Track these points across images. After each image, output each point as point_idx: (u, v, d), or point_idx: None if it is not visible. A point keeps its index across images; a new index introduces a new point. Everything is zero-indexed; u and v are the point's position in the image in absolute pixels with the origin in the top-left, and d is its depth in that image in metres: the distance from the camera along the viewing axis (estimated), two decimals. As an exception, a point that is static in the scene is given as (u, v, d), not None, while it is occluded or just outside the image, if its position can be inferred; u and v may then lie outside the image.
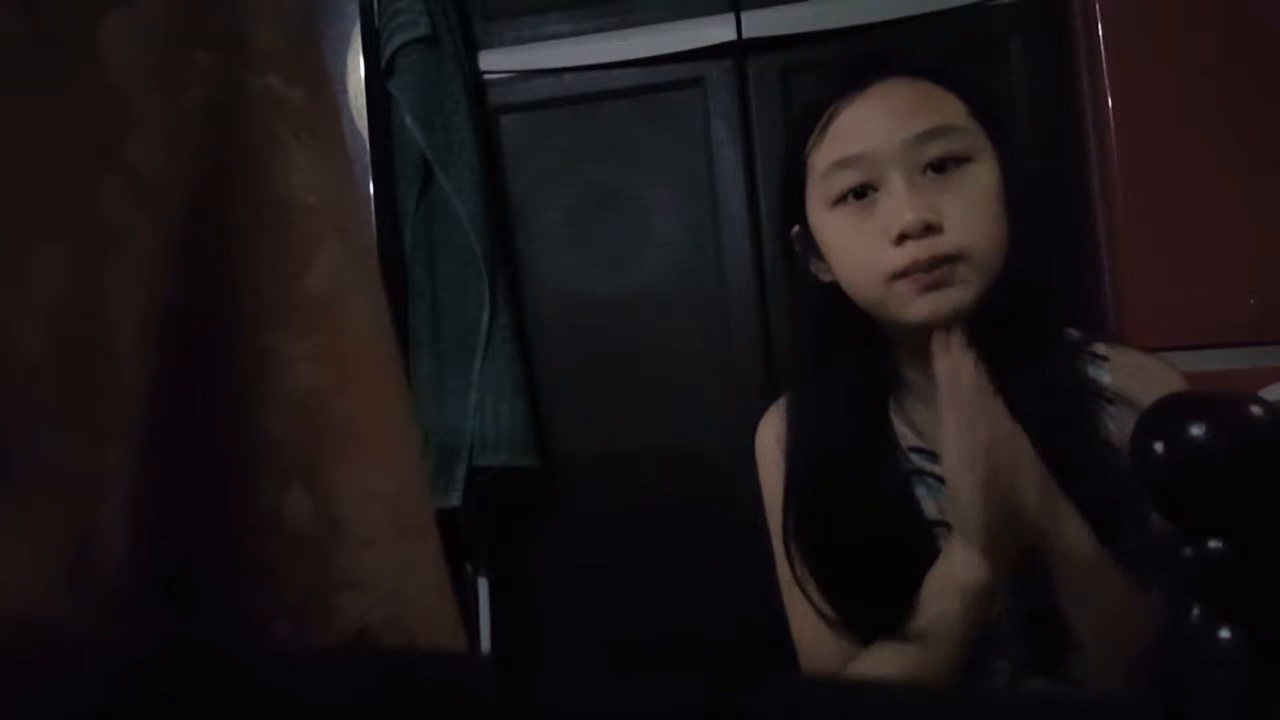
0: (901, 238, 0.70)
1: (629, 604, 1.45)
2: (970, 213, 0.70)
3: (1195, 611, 0.33)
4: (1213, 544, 0.33)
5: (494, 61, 1.53)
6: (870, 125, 0.73)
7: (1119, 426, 0.71)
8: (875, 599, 0.73)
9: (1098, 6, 1.26)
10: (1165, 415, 0.35)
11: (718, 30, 1.44)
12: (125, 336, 0.28)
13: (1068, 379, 0.73)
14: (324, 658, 0.23)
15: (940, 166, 0.71)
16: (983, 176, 0.72)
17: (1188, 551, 0.34)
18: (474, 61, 1.52)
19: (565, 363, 1.51)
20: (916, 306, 0.70)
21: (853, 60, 0.80)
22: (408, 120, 1.44)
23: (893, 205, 0.71)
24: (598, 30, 1.49)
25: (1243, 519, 0.33)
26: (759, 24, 1.43)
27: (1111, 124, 1.25)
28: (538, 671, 0.19)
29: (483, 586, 1.51)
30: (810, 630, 0.78)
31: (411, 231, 1.48)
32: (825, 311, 0.79)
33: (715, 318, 1.47)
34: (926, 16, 1.39)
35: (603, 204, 1.50)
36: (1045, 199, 1.38)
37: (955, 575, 0.67)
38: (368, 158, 1.46)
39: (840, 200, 0.74)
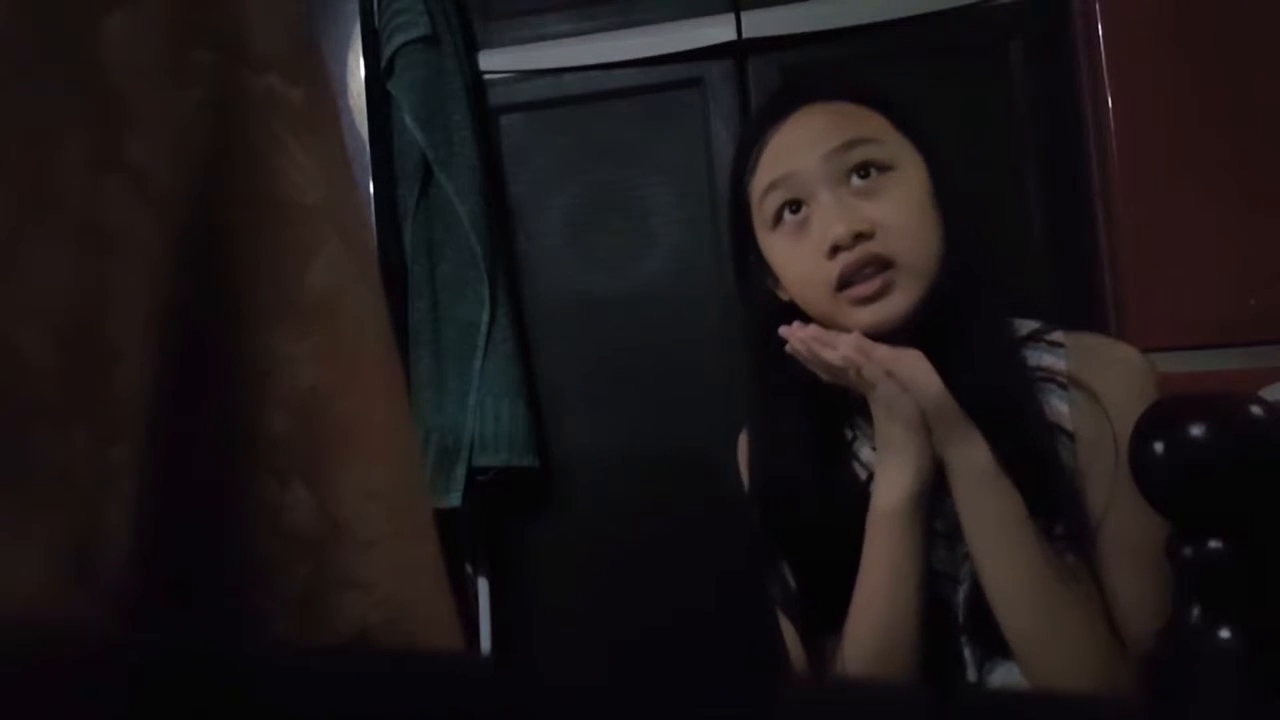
0: (834, 249, 0.73)
1: (629, 604, 1.45)
2: (898, 218, 0.73)
3: (1195, 611, 0.33)
4: (1213, 544, 0.33)
5: (494, 61, 1.53)
6: (793, 146, 0.77)
7: (1076, 410, 0.73)
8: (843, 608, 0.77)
9: (1098, 7, 1.26)
10: (1165, 415, 0.35)
11: (718, 30, 1.44)
12: (126, 336, 0.28)
13: (1015, 366, 0.75)
14: (324, 658, 0.23)
15: (865, 173, 0.75)
16: (908, 183, 0.75)
17: (1188, 551, 0.34)
18: (474, 61, 1.52)
19: (565, 363, 1.51)
20: (859, 316, 0.73)
21: (777, 92, 0.87)
22: (408, 120, 1.44)
23: (823, 219, 0.74)
24: (598, 30, 1.49)
25: (1243, 519, 0.33)
26: (759, 24, 1.43)
27: (1111, 124, 1.25)
28: (538, 671, 0.19)
29: (483, 586, 1.51)
30: (793, 641, 0.83)
31: (411, 231, 1.48)
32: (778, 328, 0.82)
33: (715, 318, 1.47)
34: (926, 16, 1.39)
35: (603, 204, 1.50)
36: (1062, 201, 1.38)
37: (878, 505, 0.73)
38: (368, 158, 1.46)
39: (777, 221, 0.78)
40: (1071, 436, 0.73)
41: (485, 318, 1.42)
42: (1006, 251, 1.38)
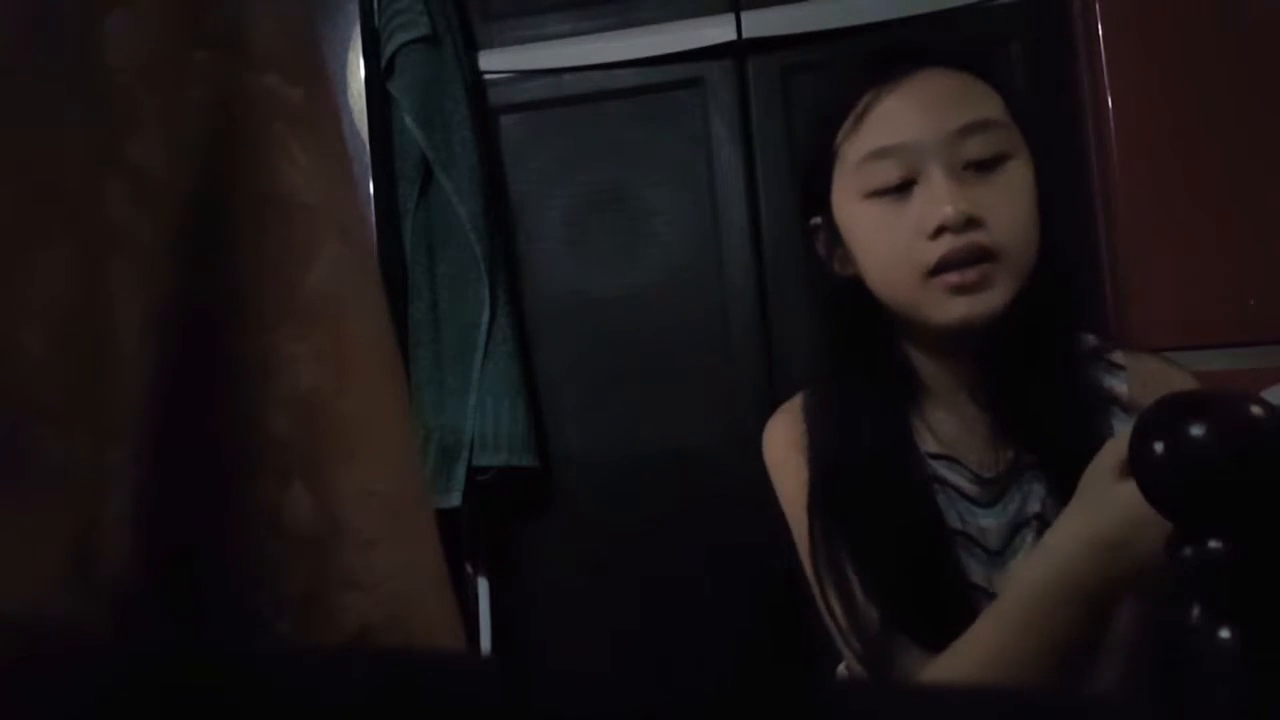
0: (939, 231, 0.67)
1: (629, 604, 1.45)
2: (1009, 211, 0.68)
3: (1195, 611, 0.33)
4: (1213, 544, 0.33)
5: (494, 61, 1.53)
6: (910, 116, 0.70)
7: None
8: (905, 604, 0.70)
9: (1098, 7, 1.26)
10: (1165, 415, 0.35)
11: (718, 30, 1.44)
12: (127, 336, 0.28)
13: (1085, 387, 0.71)
14: (324, 658, 0.23)
15: (984, 158, 0.69)
16: (1020, 175, 0.70)
17: (1188, 551, 0.34)
18: (474, 61, 1.52)
19: (565, 363, 1.51)
20: (952, 307, 0.68)
21: (888, 49, 0.76)
22: (408, 120, 1.44)
23: (932, 197, 0.68)
24: (598, 30, 1.49)
25: (1243, 519, 0.33)
26: (759, 24, 1.43)
27: (1111, 124, 1.25)
28: (538, 671, 0.19)
29: (483, 586, 1.51)
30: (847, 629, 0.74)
31: (411, 231, 1.48)
32: (845, 307, 0.76)
33: (715, 318, 1.47)
34: (927, 17, 1.39)
35: (603, 204, 1.50)
36: (1062, 201, 1.38)
37: (1026, 575, 0.61)
38: (368, 158, 1.47)
39: (874, 193, 0.71)
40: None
41: (485, 318, 1.42)
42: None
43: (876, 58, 0.75)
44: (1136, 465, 0.36)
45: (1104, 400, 0.70)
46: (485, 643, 1.50)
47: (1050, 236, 0.71)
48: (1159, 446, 0.35)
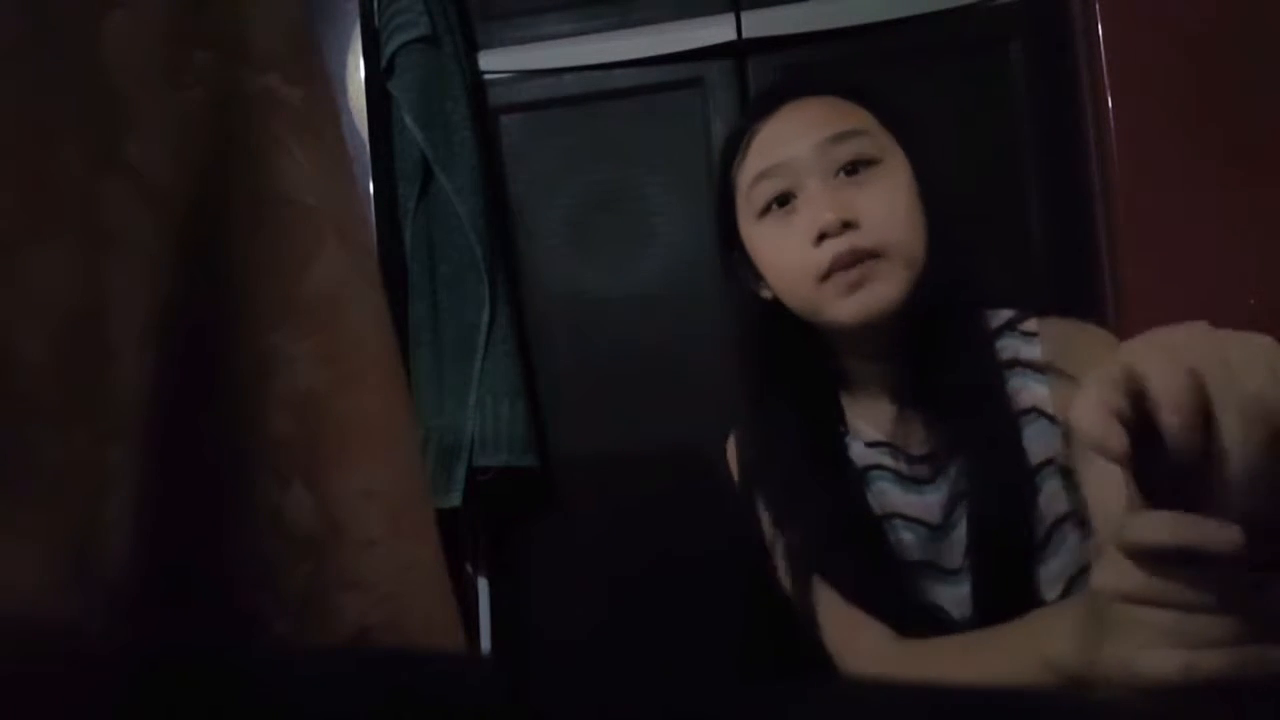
0: (821, 237, 0.73)
1: (629, 604, 1.45)
2: (885, 210, 0.74)
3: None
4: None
5: (494, 61, 1.53)
6: (784, 137, 0.78)
7: (1056, 393, 0.74)
8: (846, 585, 0.77)
9: (1098, 6, 1.26)
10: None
11: (718, 30, 1.44)
12: (126, 336, 0.28)
13: (990, 361, 0.76)
14: (324, 658, 0.23)
15: (853, 166, 0.75)
16: (893, 176, 0.76)
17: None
18: (474, 61, 1.52)
19: (565, 363, 1.51)
20: (846, 306, 0.73)
21: (766, 89, 0.87)
22: (408, 120, 1.44)
23: (811, 207, 0.74)
24: (598, 30, 1.49)
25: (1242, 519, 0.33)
26: (759, 24, 1.43)
27: (1111, 124, 1.25)
28: (537, 671, 0.19)
29: (483, 586, 1.51)
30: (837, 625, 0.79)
31: (411, 231, 1.48)
32: (770, 328, 0.82)
33: (715, 318, 1.46)
34: (926, 16, 1.39)
35: (603, 204, 1.50)
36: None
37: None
38: (368, 158, 1.46)
39: (765, 211, 0.78)
40: (1053, 419, 0.74)
41: (485, 318, 1.42)
42: (1005, 249, 1.38)
43: (759, 98, 0.84)
44: (1135, 464, 0.36)
45: (1016, 368, 0.76)
46: (485, 643, 1.50)
47: (939, 228, 0.76)
48: (1155, 442, 0.35)
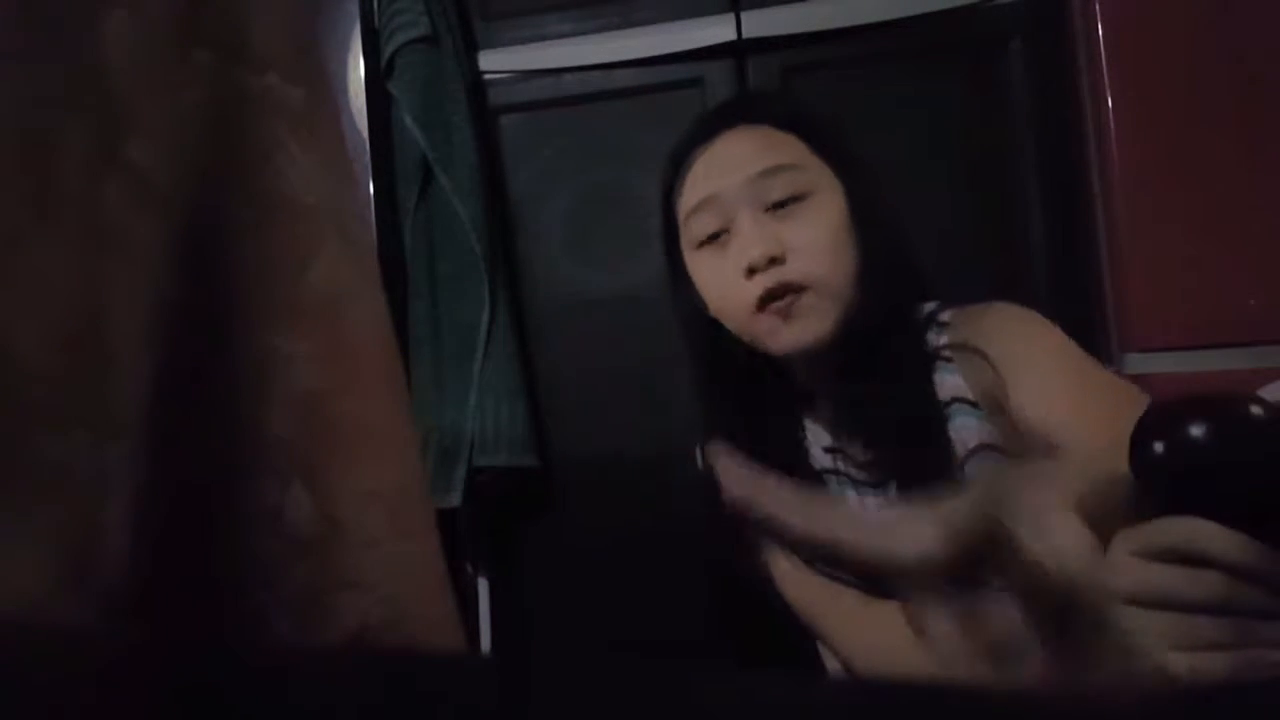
0: (750, 271, 0.75)
1: (629, 604, 1.45)
2: (811, 244, 0.75)
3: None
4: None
5: (494, 61, 1.53)
6: (716, 170, 0.79)
7: (968, 376, 0.75)
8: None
9: (1098, 6, 1.26)
10: (1165, 415, 0.35)
11: (718, 30, 1.44)
12: (126, 337, 0.28)
13: (916, 387, 0.77)
14: (324, 658, 0.23)
15: (782, 200, 0.76)
16: (823, 209, 0.77)
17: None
18: (474, 61, 1.52)
19: (565, 363, 1.51)
20: (779, 337, 0.75)
21: (705, 114, 0.88)
22: (408, 120, 1.44)
23: (740, 242, 0.76)
24: (598, 30, 1.49)
25: (1243, 519, 0.33)
26: (759, 24, 1.43)
27: (1111, 124, 1.25)
28: (537, 672, 0.19)
29: (483, 586, 1.51)
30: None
31: (411, 231, 1.48)
32: (719, 345, 0.84)
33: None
34: (926, 16, 1.39)
35: (603, 204, 1.50)
36: (1062, 201, 1.38)
37: None
38: (368, 158, 1.46)
39: (702, 243, 0.80)
40: (975, 404, 0.75)
41: (485, 318, 1.42)
42: (1005, 249, 1.38)
43: (697, 124, 0.85)
44: (1137, 465, 0.36)
45: (927, 359, 0.78)
46: (485, 643, 1.50)
47: (877, 256, 0.77)
48: (1159, 446, 0.35)
